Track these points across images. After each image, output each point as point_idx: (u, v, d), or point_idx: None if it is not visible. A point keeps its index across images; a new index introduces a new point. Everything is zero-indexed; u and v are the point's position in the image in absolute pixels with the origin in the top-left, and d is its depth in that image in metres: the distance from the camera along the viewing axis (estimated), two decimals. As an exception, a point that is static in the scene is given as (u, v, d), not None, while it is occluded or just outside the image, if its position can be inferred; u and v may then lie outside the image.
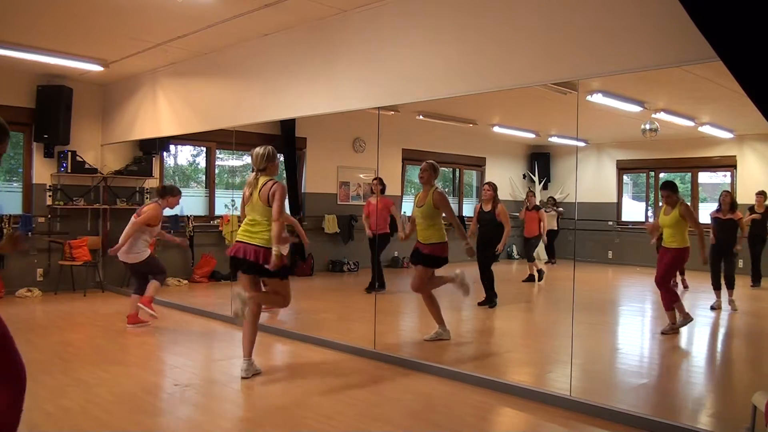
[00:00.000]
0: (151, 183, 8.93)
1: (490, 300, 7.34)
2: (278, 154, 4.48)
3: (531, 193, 10.14)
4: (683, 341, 6.00)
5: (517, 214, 9.94)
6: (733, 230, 7.61)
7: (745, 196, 10.61)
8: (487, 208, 7.40)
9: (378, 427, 3.46)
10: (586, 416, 3.65)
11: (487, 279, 7.34)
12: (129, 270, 6.35)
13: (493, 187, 7.48)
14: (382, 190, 8.11)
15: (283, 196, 4.19)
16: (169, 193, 6.10)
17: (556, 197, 11.94)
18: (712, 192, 12.64)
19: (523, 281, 9.68)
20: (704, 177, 12.83)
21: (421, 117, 9.88)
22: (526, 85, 4.28)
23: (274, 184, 4.23)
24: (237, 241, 4.33)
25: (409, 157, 11.59)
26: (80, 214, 8.32)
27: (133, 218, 5.95)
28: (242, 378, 4.29)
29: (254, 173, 4.36)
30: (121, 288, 8.21)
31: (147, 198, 8.77)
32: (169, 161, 10.01)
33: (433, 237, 5.37)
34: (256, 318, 4.43)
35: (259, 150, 4.32)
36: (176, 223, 9.03)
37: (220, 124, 6.82)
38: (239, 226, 4.46)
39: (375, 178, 8.24)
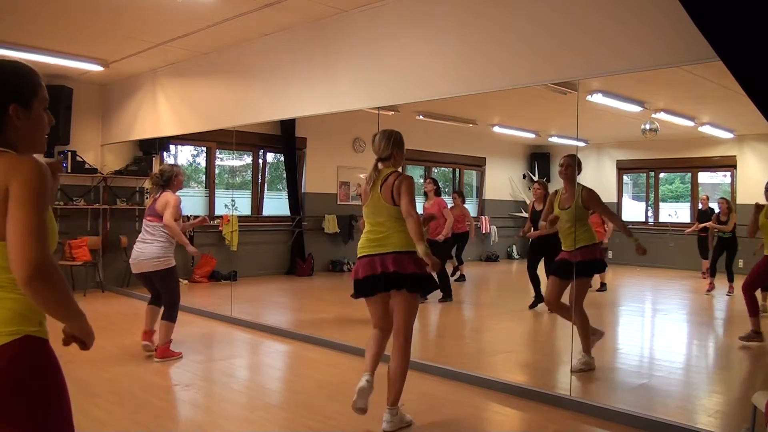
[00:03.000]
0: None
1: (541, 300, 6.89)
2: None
3: None
4: (683, 341, 5.99)
5: (519, 213, 9.61)
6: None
7: (746, 196, 10.60)
8: (539, 207, 6.81)
9: (378, 427, 3.45)
10: (586, 416, 3.65)
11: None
12: (143, 280, 4.98)
13: (544, 186, 7.17)
14: (437, 191, 7.62)
15: (411, 190, 3.33)
16: (173, 176, 4.86)
17: None
18: (712, 192, 12.64)
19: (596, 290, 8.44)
20: (704, 177, 12.83)
21: (421, 117, 9.87)
22: (526, 85, 4.28)
23: (398, 177, 3.38)
24: (362, 257, 3.40)
25: (409, 157, 11.50)
26: (80, 214, 8.32)
27: (150, 220, 4.76)
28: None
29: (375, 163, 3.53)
30: (121, 288, 8.21)
31: (146, 197, 8.77)
32: (169, 161, 10.00)
33: (583, 239, 4.62)
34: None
35: (383, 133, 3.55)
36: (176, 223, 9.03)
37: (220, 124, 6.82)
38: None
39: (427, 179, 7.86)
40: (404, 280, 3.26)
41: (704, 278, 9.26)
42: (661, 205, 13.08)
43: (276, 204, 10.65)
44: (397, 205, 3.33)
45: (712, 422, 3.68)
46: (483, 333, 6.36)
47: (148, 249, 4.70)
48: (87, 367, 4.58)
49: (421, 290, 3.38)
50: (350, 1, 4.91)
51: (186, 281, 9.04)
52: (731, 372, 5.18)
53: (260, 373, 4.74)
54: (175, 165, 5.02)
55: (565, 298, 4.74)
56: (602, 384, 4.50)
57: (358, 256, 3.43)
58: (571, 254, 4.59)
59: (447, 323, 6.77)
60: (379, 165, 3.51)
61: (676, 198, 13.83)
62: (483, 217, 12.85)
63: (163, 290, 4.79)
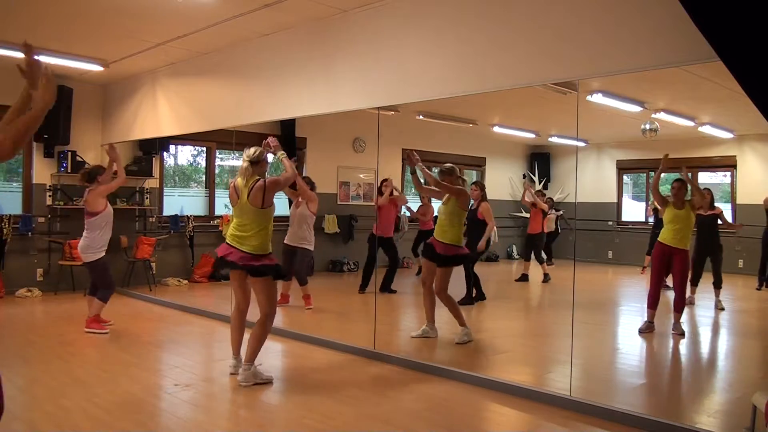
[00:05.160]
0: (152, 183, 8.93)
1: (468, 299, 7.44)
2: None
3: (540, 193, 10.05)
4: (683, 341, 5.99)
5: (518, 213, 9.80)
6: (714, 226, 7.67)
7: (746, 196, 10.60)
8: (475, 206, 7.39)
9: (378, 427, 3.46)
10: (586, 416, 3.65)
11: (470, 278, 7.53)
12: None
13: (481, 186, 7.56)
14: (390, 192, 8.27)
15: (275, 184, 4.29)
16: (97, 173, 5.77)
17: (554, 198, 11.92)
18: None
19: (516, 280, 9.84)
20: (704, 177, 12.82)
21: (421, 117, 9.87)
22: (526, 85, 4.28)
23: (264, 181, 4.21)
24: (227, 243, 4.23)
25: (409, 157, 11.59)
26: (80, 214, 8.26)
27: (89, 218, 5.68)
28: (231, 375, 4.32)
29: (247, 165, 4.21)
30: (121, 288, 8.20)
31: (147, 198, 8.78)
32: (169, 161, 10.01)
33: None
34: (243, 316, 4.43)
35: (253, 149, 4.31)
36: (176, 222, 9.04)
37: (220, 124, 6.82)
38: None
39: (385, 180, 8.44)
40: (255, 270, 4.10)
41: (642, 273, 9.50)
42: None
43: (276, 204, 10.60)
44: (261, 207, 4.15)
45: (712, 422, 3.68)
46: (481, 333, 6.36)
47: (81, 243, 5.69)
48: (86, 366, 4.58)
49: (272, 275, 4.18)
50: (350, 1, 4.91)
51: (186, 281, 9.05)
52: (731, 372, 5.18)
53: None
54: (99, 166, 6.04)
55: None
56: (602, 384, 4.50)
57: (226, 239, 4.25)
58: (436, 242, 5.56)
59: (445, 323, 6.76)
60: (251, 169, 4.18)
61: (676, 198, 13.80)
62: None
63: (94, 278, 5.71)
